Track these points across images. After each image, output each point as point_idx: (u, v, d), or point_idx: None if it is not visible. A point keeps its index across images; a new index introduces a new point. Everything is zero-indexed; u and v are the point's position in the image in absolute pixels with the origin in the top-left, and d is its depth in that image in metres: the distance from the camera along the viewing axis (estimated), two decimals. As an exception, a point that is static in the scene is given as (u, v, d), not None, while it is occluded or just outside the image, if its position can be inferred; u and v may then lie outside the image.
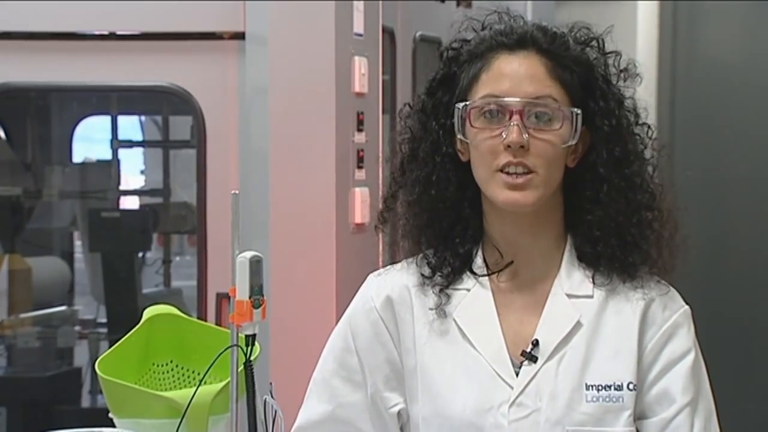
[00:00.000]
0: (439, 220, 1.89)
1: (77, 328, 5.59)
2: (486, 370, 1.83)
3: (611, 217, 1.84)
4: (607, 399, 1.80)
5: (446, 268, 1.89)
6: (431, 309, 1.88)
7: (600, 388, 1.80)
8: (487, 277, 1.88)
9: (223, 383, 1.94)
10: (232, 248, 1.90)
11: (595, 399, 1.80)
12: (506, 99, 1.80)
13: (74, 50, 4.02)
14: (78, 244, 6.05)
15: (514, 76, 1.81)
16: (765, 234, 5.42)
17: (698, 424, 1.81)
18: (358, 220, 3.88)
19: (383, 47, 4.17)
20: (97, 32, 4.00)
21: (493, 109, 1.81)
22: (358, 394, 1.92)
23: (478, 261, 1.88)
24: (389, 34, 4.35)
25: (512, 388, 1.81)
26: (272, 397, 1.98)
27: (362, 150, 3.92)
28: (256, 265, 1.89)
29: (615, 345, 1.82)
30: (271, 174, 3.82)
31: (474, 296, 1.88)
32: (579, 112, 1.80)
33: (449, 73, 1.88)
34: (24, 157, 5.70)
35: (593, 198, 1.85)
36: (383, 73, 4.17)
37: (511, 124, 1.78)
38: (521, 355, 1.82)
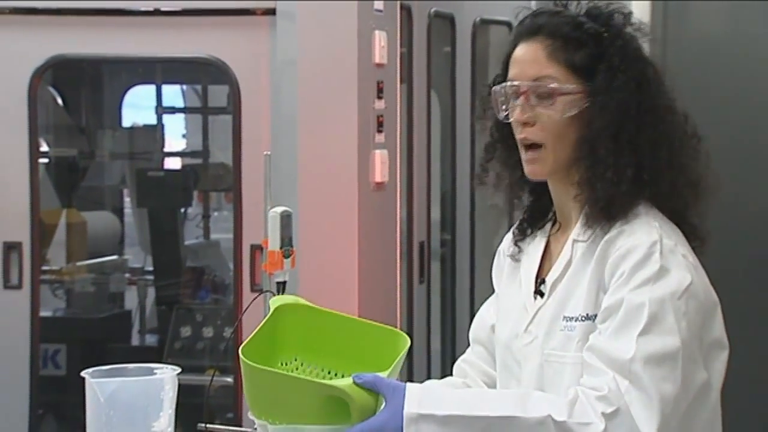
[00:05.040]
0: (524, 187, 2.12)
1: (127, 275, 5.71)
2: (521, 303, 2.06)
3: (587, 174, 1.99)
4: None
5: (525, 223, 2.14)
6: (507, 255, 2.15)
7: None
8: (548, 229, 2.10)
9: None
10: (264, 204, 2.09)
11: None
12: (508, 83, 1.99)
13: (123, 25, 4.15)
14: (127, 200, 6.12)
15: (521, 61, 1.99)
16: (757, 206, 5.12)
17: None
18: (378, 179, 4.00)
19: (401, 22, 4.22)
20: (143, 8, 4.13)
21: (508, 92, 1.99)
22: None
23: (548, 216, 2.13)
24: (406, 11, 4.39)
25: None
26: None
27: (381, 116, 4.04)
28: (286, 219, 2.04)
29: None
30: (300, 137, 3.92)
31: (534, 245, 2.10)
32: (573, 87, 1.95)
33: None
34: (79, 122, 5.78)
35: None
36: (401, 46, 4.23)
37: (516, 104, 1.98)
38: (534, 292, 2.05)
